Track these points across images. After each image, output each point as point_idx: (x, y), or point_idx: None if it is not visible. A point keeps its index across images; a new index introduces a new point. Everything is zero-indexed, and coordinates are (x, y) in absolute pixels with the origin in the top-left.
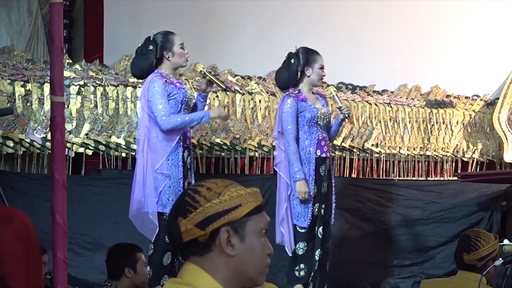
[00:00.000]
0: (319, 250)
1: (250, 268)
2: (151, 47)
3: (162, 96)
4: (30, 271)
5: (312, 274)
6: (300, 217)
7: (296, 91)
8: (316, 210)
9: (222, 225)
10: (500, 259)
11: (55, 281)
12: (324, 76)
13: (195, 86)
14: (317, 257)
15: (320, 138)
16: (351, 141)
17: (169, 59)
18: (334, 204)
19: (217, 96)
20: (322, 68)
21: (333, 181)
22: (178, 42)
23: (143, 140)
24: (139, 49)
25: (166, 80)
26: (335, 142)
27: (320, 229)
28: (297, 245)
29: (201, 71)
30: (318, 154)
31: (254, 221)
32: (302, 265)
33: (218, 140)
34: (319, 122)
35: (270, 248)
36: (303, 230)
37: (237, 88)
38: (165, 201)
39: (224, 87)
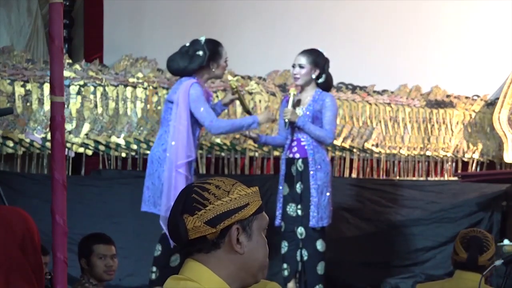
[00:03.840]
0: (303, 250)
1: (255, 265)
2: (200, 53)
3: (205, 101)
4: (11, 277)
5: (298, 276)
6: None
7: (287, 93)
8: (291, 210)
9: (233, 223)
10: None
11: (55, 281)
12: (294, 74)
13: None
14: (305, 258)
15: (294, 138)
16: (351, 141)
17: (213, 70)
18: (312, 206)
19: (217, 96)
20: (293, 66)
21: (311, 183)
22: (225, 56)
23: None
24: (186, 49)
25: (203, 89)
26: (335, 142)
27: (300, 229)
28: (281, 244)
29: (235, 87)
30: (287, 154)
31: (259, 220)
32: (285, 265)
33: (218, 140)
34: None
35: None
36: (281, 230)
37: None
38: None
39: (247, 110)
